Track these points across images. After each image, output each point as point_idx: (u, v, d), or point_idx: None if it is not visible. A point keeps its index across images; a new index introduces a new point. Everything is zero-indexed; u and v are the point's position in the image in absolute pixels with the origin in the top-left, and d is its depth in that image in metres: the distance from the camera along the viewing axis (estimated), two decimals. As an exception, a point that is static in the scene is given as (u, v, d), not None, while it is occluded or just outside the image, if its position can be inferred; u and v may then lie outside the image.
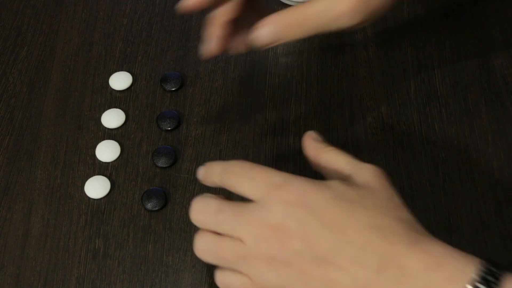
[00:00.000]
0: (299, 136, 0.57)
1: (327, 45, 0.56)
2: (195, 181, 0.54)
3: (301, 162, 0.54)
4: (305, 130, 0.57)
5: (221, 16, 0.48)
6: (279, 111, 0.58)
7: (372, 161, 0.55)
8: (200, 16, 0.65)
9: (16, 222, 0.52)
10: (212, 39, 0.49)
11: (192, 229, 0.52)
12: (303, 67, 0.61)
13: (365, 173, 0.42)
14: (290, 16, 0.46)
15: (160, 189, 0.53)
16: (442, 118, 0.58)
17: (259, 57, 0.62)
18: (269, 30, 0.45)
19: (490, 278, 0.36)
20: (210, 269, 0.50)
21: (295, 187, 0.40)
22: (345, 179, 0.43)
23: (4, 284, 0.49)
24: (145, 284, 0.49)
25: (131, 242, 0.51)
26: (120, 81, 0.60)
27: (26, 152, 0.56)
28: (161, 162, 0.55)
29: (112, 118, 0.58)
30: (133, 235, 0.52)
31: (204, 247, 0.42)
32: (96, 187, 0.54)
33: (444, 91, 0.60)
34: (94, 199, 0.53)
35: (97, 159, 0.55)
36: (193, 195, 0.53)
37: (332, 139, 0.57)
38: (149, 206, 0.53)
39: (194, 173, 0.55)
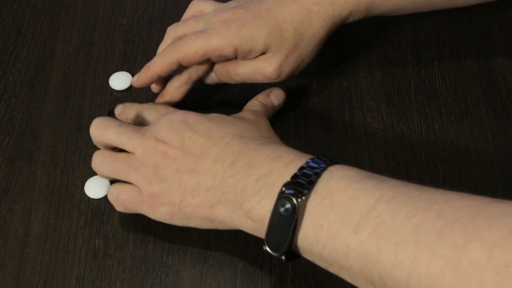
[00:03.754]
0: (299, 136, 0.57)
1: (327, 45, 0.56)
2: (195, 181, 0.54)
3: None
4: (305, 130, 0.57)
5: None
6: (279, 111, 0.58)
7: (372, 160, 0.55)
8: (200, 16, 0.65)
9: (16, 222, 0.52)
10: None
11: (192, 229, 0.52)
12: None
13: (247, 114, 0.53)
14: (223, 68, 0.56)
15: (160, 189, 0.53)
16: (442, 118, 0.58)
17: (259, 57, 0.62)
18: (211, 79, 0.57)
19: (317, 163, 0.43)
20: (210, 269, 0.50)
21: (180, 112, 0.49)
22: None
23: (4, 284, 0.49)
24: (145, 284, 0.49)
25: (131, 242, 0.51)
26: (120, 81, 0.60)
27: (26, 152, 0.56)
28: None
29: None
30: (133, 235, 0.52)
31: (101, 161, 0.50)
32: (96, 187, 0.54)
33: (444, 91, 0.60)
34: (94, 199, 0.53)
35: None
36: (193, 195, 0.53)
37: (332, 139, 0.57)
38: (149, 206, 0.53)
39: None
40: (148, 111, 0.53)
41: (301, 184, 0.41)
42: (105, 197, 0.53)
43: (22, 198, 0.53)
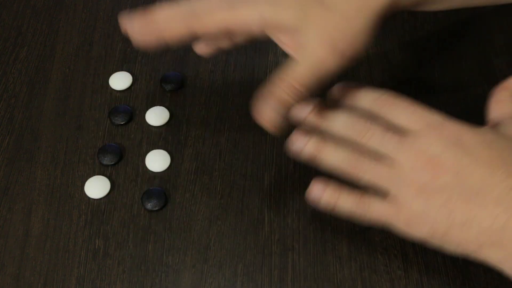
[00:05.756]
0: (299, 136, 0.57)
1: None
2: (195, 181, 0.54)
3: (301, 162, 0.54)
4: (305, 130, 0.57)
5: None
6: (279, 111, 0.58)
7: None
8: (200, 16, 0.65)
9: (16, 222, 0.52)
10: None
11: (192, 229, 0.52)
12: (303, 67, 0.61)
13: None
14: (280, 85, 0.45)
15: (160, 189, 0.53)
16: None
17: (259, 57, 0.62)
18: (270, 107, 0.46)
19: None
20: (210, 269, 0.50)
21: (452, 127, 0.43)
22: (492, 126, 0.46)
23: (4, 284, 0.49)
24: (145, 284, 0.49)
25: (131, 242, 0.51)
26: (120, 81, 0.60)
27: (26, 152, 0.56)
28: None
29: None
30: (133, 235, 0.52)
31: (354, 164, 0.44)
32: (96, 187, 0.54)
33: (444, 91, 0.60)
34: (94, 199, 0.53)
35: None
36: (193, 195, 0.53)
37: (332, 139, 0.57)
38: (149, 206, 0.53)
39: (193, 173, 0.55)
40: (398, 112, 0.45)
41: None
42: (105, 197, 0.53)
43: (22, 198, 0.53)
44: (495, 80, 0.60)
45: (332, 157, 0.45)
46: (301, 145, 0.46)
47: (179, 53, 0.62)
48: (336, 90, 0.48)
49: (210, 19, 0.46)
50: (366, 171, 0.44)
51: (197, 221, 0.52)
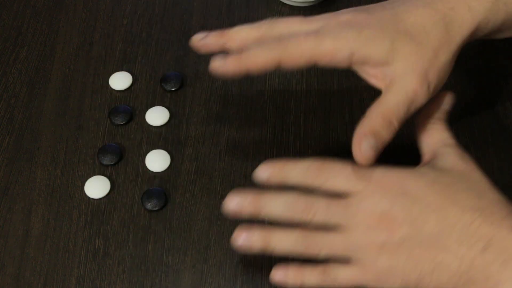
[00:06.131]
0: (299, 136, 0.57)
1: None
2: (195, 181, 0.54)
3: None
4: (305, 130, 0.57)
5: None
6: (279, 111, 0.58)
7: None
8: (200, 16, 0.65)
9: (16, 222, 0.52)
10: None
11: (192, 229, 0.52)
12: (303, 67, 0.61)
13: (451, 156, 0.44)
14: (376, 120, 0.45)
15: (160, 189, 0.53)
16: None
17: (259, 57, 0.62)
18: (369, 144, 0.44)
19: None
20: (210, 269, 0.50)
21: (393, 178, 0.42)
22: (429, 161, 0.45)
23: (4, 284, 0.49)
24: (145, 284, 0.49)
25: (131, 242, 0.51)
26: (120, 81, 0.60)
27: (26, 152, 0.56)
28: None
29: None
30: (133, 235, 0.52)
31: (306, 243, 0.43)
32: (96, 187, 0.54)
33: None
34: (94, 199, 0.53)
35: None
36: (193, 195, 0.53)
37: (332, 139, 0.57)
38: (149, 206, 0.53)
39: (193, 173, 0.55)
40: (334, 177, 0.44)
41: None
42: (105, 197, 0.53)
43: (22, 198, 0.53)
44: (495, 80, 0.60)
45: (282, 243, 0.43)
46: (247, 241, 0.44)
47: (179, 53, 0.62)
48: (262, 172, 0.45)
49: (297, 51, 0.45)
50: (321, 247, 0.43)
51: (197, 221, 0.52)
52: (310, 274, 0.44)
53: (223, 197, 0.53)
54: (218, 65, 0.46)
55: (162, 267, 0.50)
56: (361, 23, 0.45)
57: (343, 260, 0.43)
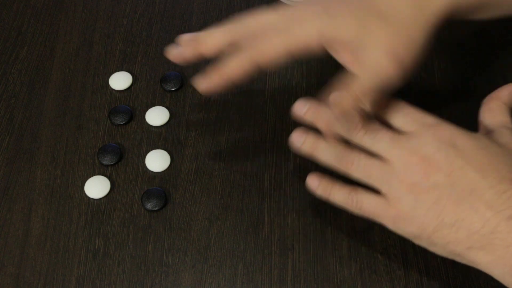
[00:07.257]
0: (299, 136, 0.57)
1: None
2: (195, 181, 0.54)
3: (301, 162, 0.54)
4: (305, 130, 0.57)
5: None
6: (279, 111, 0.58)
7: (372, 161, 0.55)
8: (200, 16, 0.65)
9: (16, 222, 0.52)
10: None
11: (192, 229, 0.52)
12: (303, 67, 0.61)
13: (507, 136, 0.45)
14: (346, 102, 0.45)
15: (160, 189, 0.53)
16: (442, 118, 0.58)
17: (259, 57, 0.62)
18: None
19: None
20: (210, 269, 0.50)
21: (446, 129, 0.44)
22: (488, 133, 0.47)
23: (4, 284, 0.49)
24: (145, 284, 0.49)
25: (131, 242, 0.51)
26: (120, 81, 0.60)
27: (26, 152, 0.56)
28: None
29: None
30: (133, 235, 0.52)
31: (356, 163, 0.45)
32: (96, 187, 0.54)
33: (444, 91, 0.60)
34: (94, 199, 0.53)
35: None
36: (193, 195, 0.53)
37: (332, 139, 0.57)
38: (149, 206, 0.53)
39: (193, 173, 0.55)
40: (395, 113, 0.46)
41: None
42: (105, 197, 0.53)
43: (22, 198, 0.53)
44: (495, 80, 0.60)
45: (325, 154, 0.47)
46: (299, 143, 0.49)
47: (179, 53, 0.62)
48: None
49: (270, 49, 0.46)
50: (357, 168, 0.45)
51: (197, 221, 0.52)
52: (339, 190, 0.46)
53: (223, 197, 0.53)
54: (204, 86, 0.48)
55: (162, 267, 0.50)
56: (330, 6, 0.46)
57: (374, 190, 0.44)
